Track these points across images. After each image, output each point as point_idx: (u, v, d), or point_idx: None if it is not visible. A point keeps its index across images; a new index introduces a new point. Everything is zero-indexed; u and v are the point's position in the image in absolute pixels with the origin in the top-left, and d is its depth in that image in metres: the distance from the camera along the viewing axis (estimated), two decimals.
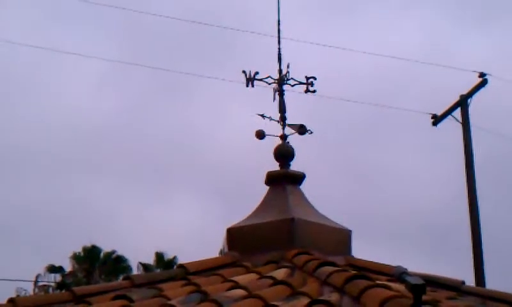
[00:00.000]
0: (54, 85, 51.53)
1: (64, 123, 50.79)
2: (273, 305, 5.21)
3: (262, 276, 6.07)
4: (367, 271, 6.20)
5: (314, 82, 7.68)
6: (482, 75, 19.50)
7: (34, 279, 35.30)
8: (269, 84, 7.65)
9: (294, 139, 7.49)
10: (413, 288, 4.84)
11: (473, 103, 19.67)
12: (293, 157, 7.41)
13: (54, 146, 50.73)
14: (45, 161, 50.34)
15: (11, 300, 5.62)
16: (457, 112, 19.75)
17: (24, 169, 49.59)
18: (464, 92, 19.69)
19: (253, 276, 6.15)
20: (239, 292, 5.57)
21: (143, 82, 50.51)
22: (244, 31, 19.26)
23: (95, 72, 51.04)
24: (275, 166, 7.39)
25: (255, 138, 7.41)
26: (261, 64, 7.83)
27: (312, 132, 7.52)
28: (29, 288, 34.09)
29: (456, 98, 19.81)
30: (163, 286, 5.94)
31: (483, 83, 19.50)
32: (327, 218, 7.06)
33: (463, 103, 19.64)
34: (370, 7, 53.24)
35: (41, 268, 36.73)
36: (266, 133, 7.44)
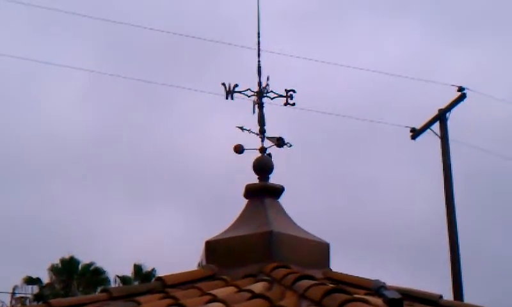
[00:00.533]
0: (37, 97, 51.32)
1: (44, 134, 50.60)
2: None
3: (240, 290, 6.06)
4: (345, 285, 6.20)
5: (294, 95, 7.70)
6: (461, 89, 19.62)
7: (11, 290, 35.06)
8: (249, 96, 7.65)
9: (274, 152, 7.50)
10: (390, 302, 4.86)
11: (452, 118, 19.79)
12: (272, 169, 7.41)
13: (32, 158, 50.48)
14: (24, 173, 50.07)
15: None
16: (436, 126, 19.85)
17: (2, 181, 49.29)
18: (443, 106, 19.80)
19: (231, 289, 6.13)
20: (217, 306, 5.56)
21: (124, 94, 50.39)
22: (224, 42, 19.24)
23: (77, 84, 50.85)
24: (254, 179, 7.39)
25: (234, 152, 7.41)
26: (241, 77, 7.84)
27: (291, 145, 7.53)
28: (6, 300, 33.86)
29: (435, 112, 19.91)
30: (141, 299, 5.92)
31: (462, 97, 19.61)
32: (305, 231, 7.06)
33: (441, 117, 19.74)
34: (351, 22, 53.49)
35: (18, 280, 36.50)
36: (245, 146, 7.45)
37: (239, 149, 7.44)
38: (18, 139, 49.65)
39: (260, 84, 7.66)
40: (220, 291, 6.01)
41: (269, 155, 7.46)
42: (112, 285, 34.97)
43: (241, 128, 7.49)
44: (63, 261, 37.45)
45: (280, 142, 7.48)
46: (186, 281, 6.41)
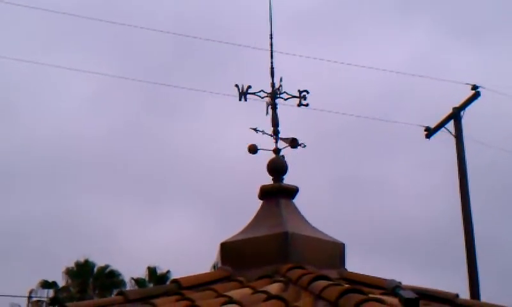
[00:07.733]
0: (49, 101, 51.54)
1: (59, 139, 50.77)
2: None
3: (255, 291, 6.05)
4: (361, 285, 6.18)
5: (307, 95, 7.68)
6: (474, 87, 19.54)
7: (27, 294, 35.18)
8: (262, 98, 7.64)
9: (288, 153, 7.49)
10: (406, 302, 4.84)
11: (466, 116, 19.72)
12: (286, 170, 7.40)
13: (45, 162, 50.66)
14: (38, 177, 50.26)
15: None
16: (451, 125, 19.78)
17: (18, 185, 49.50)
18: (457, 105, 19.73)
19: (247, 291, 6.13)
20: None
21: (136, 98, 50.54)
22: (237, 44, 19.25)
23: (89, 89, 51.04)
24: (269, 180, 7.38)
25: (248, 153, 7.41)
26: (254, 78, 7.84)
27: (305, 146, 7.51)
28: (23, 304, 34.02)
29: (449, 111, 19.85)
30: (157, 301, 5.92)
31: (476, 96, 19.54)
32: (320, 232, 7.05)
33: (455, 115, 19.67)
34: (364, 22, 53.44)
35: (34, 284, 36.66)
36: (259, 147, 7.44)
37: (253, 149, 7.43)
38: (31, 144, 49.86)
39: (273, 85, 7.65)
40: (236, 293, 6.01)
41: (283, 156, 7.45)
42: (128, 288, 35.05)
43: (255, 129, 7.48)
44: (78, 264, 37.57)
45: (293, 143, 7.47)
46: (202, 283, 6.41)
